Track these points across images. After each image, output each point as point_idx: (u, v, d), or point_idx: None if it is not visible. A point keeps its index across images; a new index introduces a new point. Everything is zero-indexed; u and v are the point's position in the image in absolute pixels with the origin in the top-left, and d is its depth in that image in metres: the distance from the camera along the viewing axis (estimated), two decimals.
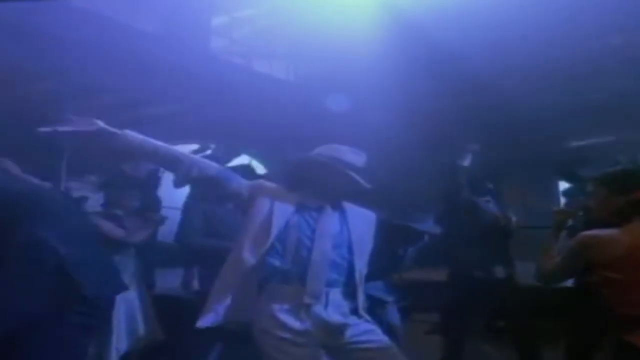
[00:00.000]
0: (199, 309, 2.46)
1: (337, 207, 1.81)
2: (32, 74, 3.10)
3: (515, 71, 3.15)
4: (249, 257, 1.63)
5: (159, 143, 1.69)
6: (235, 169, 3.48)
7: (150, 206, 3.55)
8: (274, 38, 4.14)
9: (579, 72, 3.19)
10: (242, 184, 1.76)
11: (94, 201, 4.15)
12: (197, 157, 1.77)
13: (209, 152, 3.58)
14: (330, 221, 1.75)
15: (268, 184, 1.83)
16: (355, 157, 1.80)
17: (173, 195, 4.32)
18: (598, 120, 3.52)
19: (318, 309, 1.62)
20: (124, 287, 1.59)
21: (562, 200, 3.64)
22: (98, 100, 3.77)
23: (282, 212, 1.70)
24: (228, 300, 1.63)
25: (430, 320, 3.41)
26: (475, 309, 2.94)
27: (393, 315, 1.80)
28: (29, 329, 1.21)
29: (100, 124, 1.57)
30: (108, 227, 2.53)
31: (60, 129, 1.45)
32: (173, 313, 2.61)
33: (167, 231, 4.12)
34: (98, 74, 3.40)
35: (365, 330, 1.66)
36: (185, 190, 4.22)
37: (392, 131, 3.53)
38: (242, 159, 4.65)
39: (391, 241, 2.04)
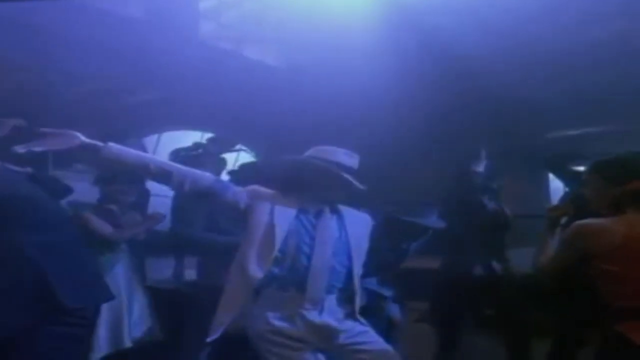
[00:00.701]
0: (192, 302, 2.50)
1: (335, 211, 1.83)
2: (14, 63, 3.03)
3: (508, 60, 3.16)
4: (256, 271, 1.64)
5: (148, 157, 1.67)
6: (243, 167, 3.50)
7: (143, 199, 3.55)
8: (264, 22, 4.08)
9: (574, 62, 3.20)
10: (237, 193, 1.76)
11: (81, 191, 4.18)
12: (189, 169, 1.74)
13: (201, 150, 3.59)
14: (329, 227, 1.77)
15: (263, 189, 1.83)
16: (349, 159, 1.81)
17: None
18: (592, 110, 3.56)
19: (313, 315, 1.66)
20: (109, 297, 1.58)
21: (552, 187, 3.72)
22: (83, 87, 3.71)
23: (283, 219, 1.71)
24: (236, 313, 1.65)
25: (420, 308, 3.50)
26: (467, 298, 3.04)
27: (393, 309, 1.85)
28: (14, 342, 1.20)
29: (81, 138, 1.50)
30: (97, 223, 2.53)
31: (37, 148, 1.37)
32: (167, 306, 2.64)
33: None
34: (83, 61, 3.34)
35: (359, 332, 1.71)
36: None
37: (388, 119, 3.54)
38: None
39: (396, 236, 2.08)
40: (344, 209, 1.87)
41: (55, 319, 1.26)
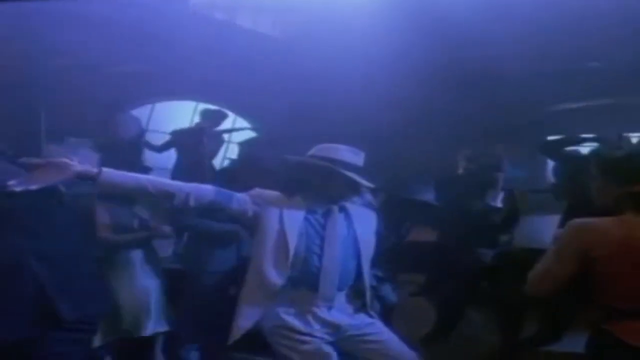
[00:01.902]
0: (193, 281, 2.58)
1: (342, 209, 1.85)
2: None
3: (507, 32, 3.12)
4: (276, 278, 1.69)
5: (146, 178, 1.63)
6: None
7: None
8: None
9: (573, 34, 3.17)
10: (241, 201, 1.76)
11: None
12: (190, 185, 1.72)
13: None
14: (338, 226, 1.80)
15: (267, 192, 1.84)
16: (354, 156, 1.80)
17: (156, 155, 4.37)
18: (590, 85, 3.54)
19: (323, 312, 1.74)
20: (108, 306, 1.62)
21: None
22: (73, 59, 3.66)
23: (293, 224, 1.74)
24: (257, 319, 1.71)
25: (416, 281, 3.63)
26: (463, 273, 3.14)
27: (387, 290, 1.94)
28: (18, 348, 1.24)
29: (76, 167, 1.43)
30: (99, 220, 2.54)
31: (33, 186, 1.29)
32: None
33: None
34: (72, 33, 3.28)
35: (367, 324, 1.81)
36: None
37: (385, 93, 3.53)
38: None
39: (398, 217, 2.11)
40: (351, 207, 1.89)
41: (56, 327, 1.30)
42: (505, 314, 2.72)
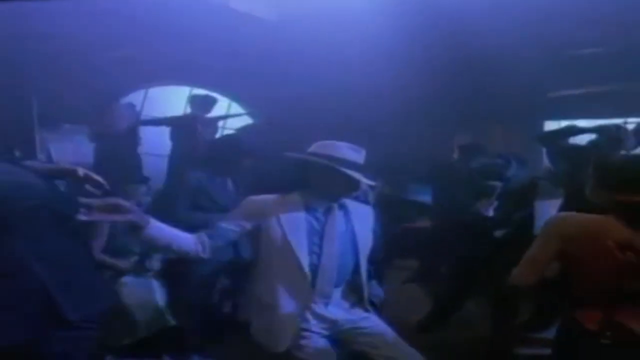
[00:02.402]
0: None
1: (341, 206, 1.85)
2: None
3: (507, 19, 3.09)
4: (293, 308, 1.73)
5: (174, 237, 1.66)
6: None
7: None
8: None
9: (572, 20, 3.14)
10: (237, 222, 1.77)
11: (70, 151, 4.20)
12: (198, 236, 1.75)
13: None
14: (337, 224, 1.81)
15: (260, 199, 1.83)
16: (354, 154, 1.79)
17: (153, 141, 4.37)
18: (589, 71, 3.53)
19: (320, 308, 1.77)
20: (113, 299, 1.65)
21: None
22: (65, 45, 3.62)
23: (296, 231, 1.74)
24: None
25: (409, 267, 3.69)
26: (455, 258, 3.18)
27: (374, 286, 1.96)
28: (23, 348, 1.27)
29: (131, 214, 1.52)
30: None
31: (96, 218, 1.44)
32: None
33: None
34: (65, 18, 3.24)
35: (362, 318, 1.84)
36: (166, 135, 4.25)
37: (382, 77, 3.51)
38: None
39: (394, 216, 2.13)
40: (349, 203, 1.89)
41: (61, 328, 1.32)
42: (499, 301, 2.76)
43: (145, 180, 2.83)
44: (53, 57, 3.67)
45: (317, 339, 1.74)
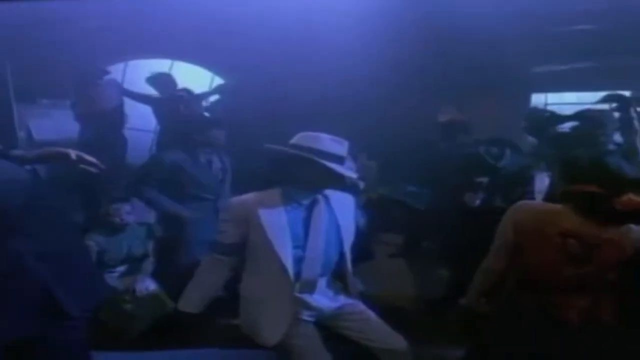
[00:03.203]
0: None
1: (323, 196, 1.90)
2: None
3: None
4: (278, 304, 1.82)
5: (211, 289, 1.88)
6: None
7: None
8: None
9: None
10: (235, 229, 1.84)
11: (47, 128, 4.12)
12: (214, 254, 1.90)
13: None
14: (321, 216, 1.85)
15: (241, 202, 1.87)
16: (338, 146, 1.80)
17: (137, 116, 4.32)
18: (577, 46, 3.54)
19: (306, 297, 1.85)
20: (108, 291, 1.71)
21: None
22: (40, 13, 3.50)
23: (277, 229, 1.79)
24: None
25: (394, 242, 3.80)
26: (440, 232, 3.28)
27: (355, 281, 2.04)
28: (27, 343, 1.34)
29: None
30: None
31: None
32: None
33: (134, 155, 4.21)
34: None
35: (347, 304, 1.94)
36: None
37: (365, 56, 3.49)
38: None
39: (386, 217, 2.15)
40: (330, 192, 1.92)
41: (62, 321, 1.38)
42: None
43: (127, 198, 2.82)
44: (26, 29, 3.56)
45: (303, 325, 1.84)
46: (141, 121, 4.20)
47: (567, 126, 2.93)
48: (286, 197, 1.85)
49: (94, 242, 2.53)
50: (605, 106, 4.16)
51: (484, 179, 2.60)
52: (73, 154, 1.65)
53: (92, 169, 1.70)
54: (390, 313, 2.09)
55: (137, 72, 4.48)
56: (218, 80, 4.49)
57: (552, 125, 2.88)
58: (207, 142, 2.80)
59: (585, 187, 1.53)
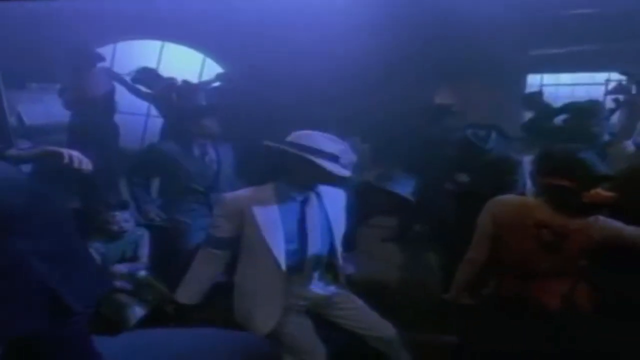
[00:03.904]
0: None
1: (316, 192, 1.97)
2: None
3: None
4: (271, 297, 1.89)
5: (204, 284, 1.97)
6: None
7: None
8: None
9: None
10: (228, 224, 1.90)
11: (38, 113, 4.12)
12: (208, 248, 1.96)
13: None
14: (316, 213, 1.94)
15: (233, 198, 1.93)
16: (332, 145, 1.84)
17: (128, 100, 4.32)
18: (575, 30, 3.54)
19: (298, 289, 1.95)
20: (109, 285, 1.77)
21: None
22: None
23: (271, 226, 1.86)
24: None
25: (387, 225, 3.88)
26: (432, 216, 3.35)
27: (346, 263, 2.12)
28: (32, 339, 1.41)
29: None
30: None
31: None
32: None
33: (126, 139, 4.23)
34: None
35: (338, 294, 2.03)
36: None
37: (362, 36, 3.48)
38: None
39: (371, 205, 2.20)
40: (322, 188, 1.98)
41: (67, 317, 1.43)
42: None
43: (125, 205, 2.80)
44: (11, 12, 3.51)
45: (295, 314, 1.93)
46: (132, 105, 4.20)
47: (560, 119, 2.98)
48: (280, 193, 1.91)
49: (92, 248, 2.57)
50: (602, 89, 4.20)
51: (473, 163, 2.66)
52: (66, 154, 1.66)
53: (85, 168, 1.70)
54: (379, 298, 2.20)
55: (127, 54, 4.46)
56: (209, 63, 4.47)
57: (546, 120, 2.93)
58: (200, 133, 2.81)
59: (557, 180, 1.64)
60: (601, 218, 1.66)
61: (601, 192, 1.60)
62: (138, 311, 2.50)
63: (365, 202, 2.58)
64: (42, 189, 1.52)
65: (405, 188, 2.87)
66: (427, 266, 3.23)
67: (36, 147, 1.71)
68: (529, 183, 2.56)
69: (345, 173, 1.85)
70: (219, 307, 2.24)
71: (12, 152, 1.65)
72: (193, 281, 1.94)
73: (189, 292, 1.94)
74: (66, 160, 1.65)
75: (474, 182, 2.65)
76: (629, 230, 1.62)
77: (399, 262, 3.52)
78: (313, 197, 1.95)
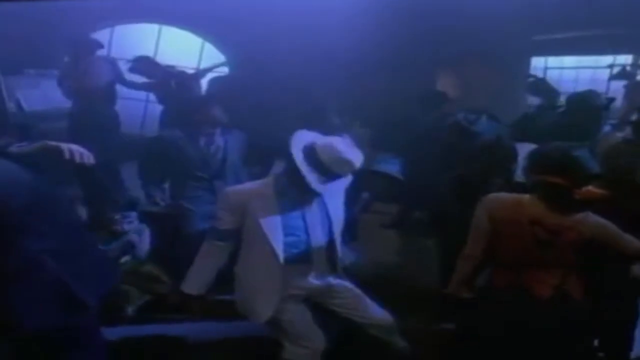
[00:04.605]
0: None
1: None
2: None
3: None
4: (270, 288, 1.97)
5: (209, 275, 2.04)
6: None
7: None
8: None
9: None
10: (231, 217, 1.96)
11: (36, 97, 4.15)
12: (212, 240, 2.02)
13: None
14: (315, 205, 2.01)
15: (236, 193, 2.01)
16: (354, 155, 1.93)
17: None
18: (578, 15, 3.53)
19: (298, 280, 2.02)
20: (118, 278, 1.84)
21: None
22: None
23: (271, 221, 1.93)
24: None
25: (387, 211, 3.95)
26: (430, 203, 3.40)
27: (347, 252, 2.19)
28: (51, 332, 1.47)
29: None
30: None
31: None
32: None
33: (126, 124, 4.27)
34: None
35: (336, 284, 2.10)
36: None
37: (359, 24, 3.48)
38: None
39: (361, 187, 2.25)
40: None
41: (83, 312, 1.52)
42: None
43: (133, 205, 2.87)
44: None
45: (293, 302, 2.02)
46: (132, 90, 4.23)
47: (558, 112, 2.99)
48: (279, 187, 1.98)
49: None
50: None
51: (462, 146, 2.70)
52: (66, 149, 1.63)
53: (87, 162, 1.67)
54: (377, 285, 2.28)
55: (124, 38, 4.46)
56: (208, 47, 4.48)
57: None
58: (207, 122, 2.84)
59: (551, 178, 1.71)
60: (591, 215, 1.73)
61: (593, 190, 1.66)
62: (138, 299, 2.59)
63: (362, 187, 2.62)
64: (49, 187, 1.56)
65: (392, 167, 2.89)
66: (426, 253, 3.28)
67: (35, 143, 1.66)
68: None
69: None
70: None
71: (13, 149, 1.65)
72: (198, 273, 2.03)
73: (195, 283, 2.02)
74: (67, 155, 1.62)
75: (466, 166, 2.68)
76: (613, 228, 1.72)
77: (398, 248, 3.60)
78: (313, 195, 1.99)
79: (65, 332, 1.51)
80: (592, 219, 1.73)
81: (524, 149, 3.07)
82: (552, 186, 1.71)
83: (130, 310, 2.54)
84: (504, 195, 1.88)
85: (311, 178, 1.87)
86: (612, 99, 2.91)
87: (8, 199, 1.41)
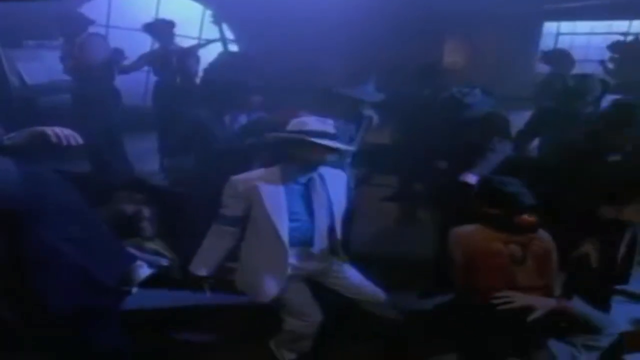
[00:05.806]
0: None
1: (318, 175, 2.18)
2: None
3: None
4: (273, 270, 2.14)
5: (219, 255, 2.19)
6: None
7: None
8: None
9: None
10: (238, 203, 2.11)
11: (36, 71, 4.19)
12: (219, 225, 2.16)
13: None
14: (318, 192, 2.16)
15: (242, 180, 2.13)
16: (323, 125, 2.09)
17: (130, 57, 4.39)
18: None
19: (299, 262, 2.19)
20: (132, 260, 2.00)
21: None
22: None
23: (276, 207, 2.09)
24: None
25: (387, 184, 4.08)
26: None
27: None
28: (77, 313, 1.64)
29: None
30: None
31: None
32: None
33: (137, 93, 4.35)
34: None
35: (334, 263, 2.28)
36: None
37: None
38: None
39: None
40: (324, 170, 2.21)
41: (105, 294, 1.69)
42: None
43: (141, 187, 2.92)
44: None
45: (295, 282, 2.19)
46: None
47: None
48: (285, 175, 2.14)
49: None
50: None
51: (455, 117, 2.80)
52: (52, 133, 1.66)
53: (73, 143, 1.71)
54: (373, 261, 2.45)
55: (123, 6, 4.45)
56: (209, 14, 4.45)
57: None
58: (245, 106, 2.99)
59: (490, 210, 2.02)
60: (541, 231, 2.01)
61: (525, 218, 1.98)
62: (143, 271, 2.77)
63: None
64: (56, 177, 1.69)
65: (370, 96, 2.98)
66: (425, 225, 3.41)
67: (22, 131, 1.71)
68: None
69: (340, 145, 2.09)
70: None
71: (6, 142, 1.70)
72: (207, 254, 2.19)
73: (203, 264, 2.18)
74: (53, 138, 1.67)
75: (460, 136, 2.79)
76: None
77: (397, 220, 3.76)
78: (316, 178, 2.17)
79: (88, 313, 1.68)
80: (544, 234, 2.02)
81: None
82: (492, 216, 2.01)
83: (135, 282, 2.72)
84: (467, 227, 2.06)
85: (322, 141, 2.03)
86: (608, 84, 2.94)
87: (16, 193, 1.53)
